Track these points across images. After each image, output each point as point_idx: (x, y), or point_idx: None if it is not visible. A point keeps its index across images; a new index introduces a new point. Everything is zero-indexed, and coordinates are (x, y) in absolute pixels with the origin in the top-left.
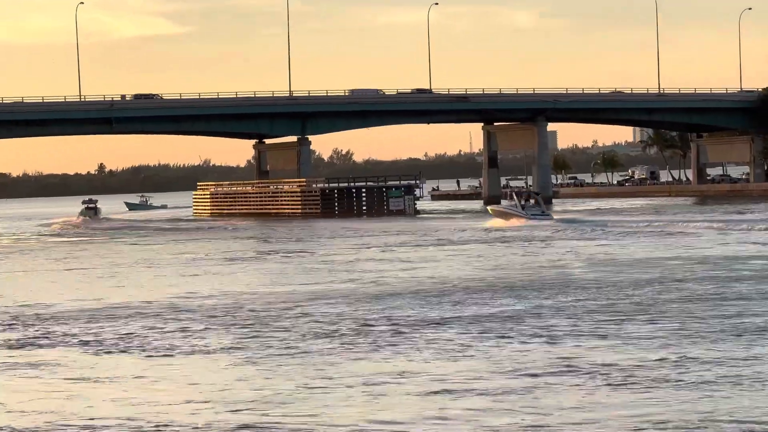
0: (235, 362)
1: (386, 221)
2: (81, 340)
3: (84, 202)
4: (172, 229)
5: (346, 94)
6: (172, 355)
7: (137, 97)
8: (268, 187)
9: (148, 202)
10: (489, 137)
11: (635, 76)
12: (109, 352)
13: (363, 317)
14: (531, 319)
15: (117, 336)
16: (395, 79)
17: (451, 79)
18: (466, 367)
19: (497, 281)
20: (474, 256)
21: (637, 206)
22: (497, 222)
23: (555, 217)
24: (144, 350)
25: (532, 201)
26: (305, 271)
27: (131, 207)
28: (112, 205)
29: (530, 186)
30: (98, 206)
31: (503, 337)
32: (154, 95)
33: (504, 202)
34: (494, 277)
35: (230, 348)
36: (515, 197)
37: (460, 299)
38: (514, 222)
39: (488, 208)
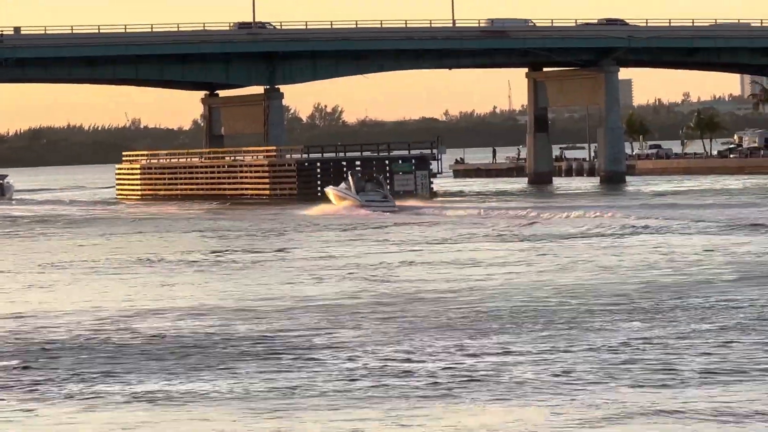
0: None
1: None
2: None
3: None
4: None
5: (332, 27)
6: None
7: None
8: (223, 158)
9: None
10: (536, 89)
11: (743, 3)
12: None
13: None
14: None
15: None
16: (401, 7)
17: (483, 5)
18: None
19: None
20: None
21: (739, 187)
22: (325, 208)
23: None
24: None
25: (371, 185)
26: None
27: None
28: None
29: (594, 158)
30: (8, 182)
31: None
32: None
33: (343, 185)
34: None
35: None
36: (350, 178)
37: None
38: (344, 207)
39: (327, 189)
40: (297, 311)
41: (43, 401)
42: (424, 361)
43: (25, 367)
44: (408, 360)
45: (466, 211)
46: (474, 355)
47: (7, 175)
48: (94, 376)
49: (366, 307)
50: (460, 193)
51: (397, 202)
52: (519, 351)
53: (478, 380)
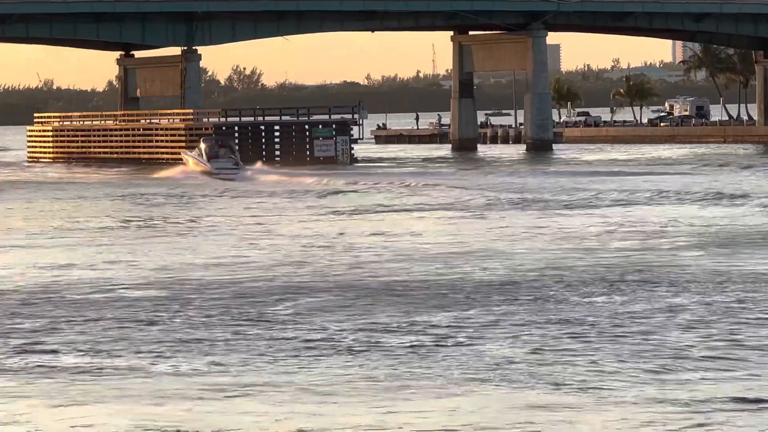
0: None
1: (304, 174)
2: None
3: None
4: None
5: None
6: None
7: None
8: (139, 121)
9: None
10: (461, 53)
11: None
12: None
13: None
14: None
15: None
16: None
17: None
18: None
19: None
20: None
21: (673, 157)
22: (173, 170)
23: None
24: None
25: (224, 151)
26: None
27: None
28: None
29: (520, 125)
30: None
31: None
32: None
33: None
34: None
35: None
36: (201, 144)
37: None
38: (193, 171)
39: (182, 153)
40: None
41: None
42: None
43: None
44: None
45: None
46: None
47: None
48: None
49: None
50: (383, 159)
51: (318, 168)
52: None
53: None
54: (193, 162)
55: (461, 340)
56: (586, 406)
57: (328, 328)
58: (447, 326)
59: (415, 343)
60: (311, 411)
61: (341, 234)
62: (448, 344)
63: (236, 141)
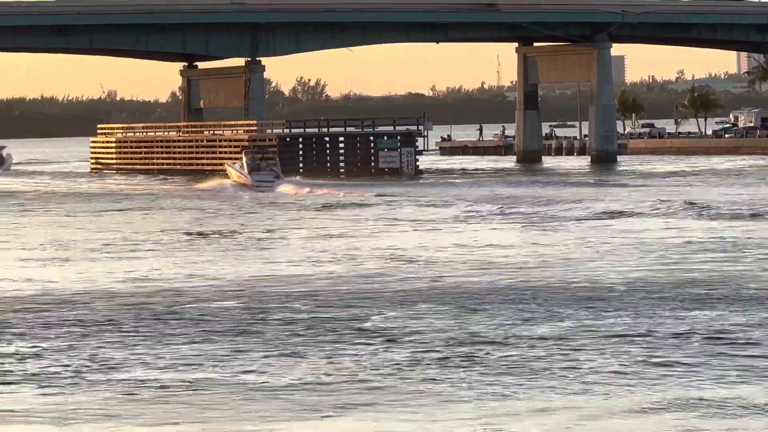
0: None
1: (371, 185)
2: None
3: None
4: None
5: None
6: None
7: None
8: (202, 132)
9: None
10: (526, 64)
11: None
12: None
13: None
14: None
15: None
16: None
17: None
18: None
19: None
20: None
21: (736, 168)
22: (212, 182)
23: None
24: None
25: (265, 164)
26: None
27: None
28: None
29: (585, 137)
30: (7, 153)
31: None
32: None
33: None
34: None
35: None
36: (244, 158)
37: None
38: (237, 182)
39: (226, 165)
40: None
41: None
42: None
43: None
44: None
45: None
46: None
47: (5, 146)
48: None
49: None
50: (448, 171)
51: (382, 180)
52: None
53: None
54: (235, 174)
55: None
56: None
57: (433, 340)
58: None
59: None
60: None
61: (417, 245)
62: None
63: (277, 152)
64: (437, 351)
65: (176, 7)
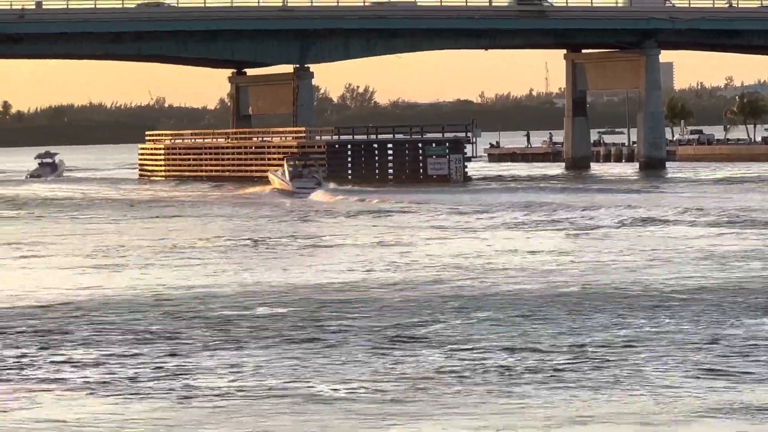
0: None
1: (417, 192)
2: None
3: (39, 156)
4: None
5: (365, 4)
6: None
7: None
8: (251, 138)
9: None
10: (575, 71)
11: None
12: None
13: None
14: None
15: None
16: None
17: None
18: None
19: None
20: None
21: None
22: (253, 189)
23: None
24: None
25: (307, 171)
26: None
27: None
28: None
29: (633, 143)
30: (58, 160)
31: None
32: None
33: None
34: None
35: None
36: (285, 165)
37: None
38: (279, 189)
39: (269, 173)
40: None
41: None
42: None
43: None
44: None
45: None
46: None
47: (57, 153)
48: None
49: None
50: (497, 178)
51: (429, 186)
52: None
53: None
54: (277, 181)
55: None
56: None
57: (493, 348)
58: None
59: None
60: None
61: (468, 252)
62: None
63: (316, 159)
64: (498, 359)
65: (225, 14)
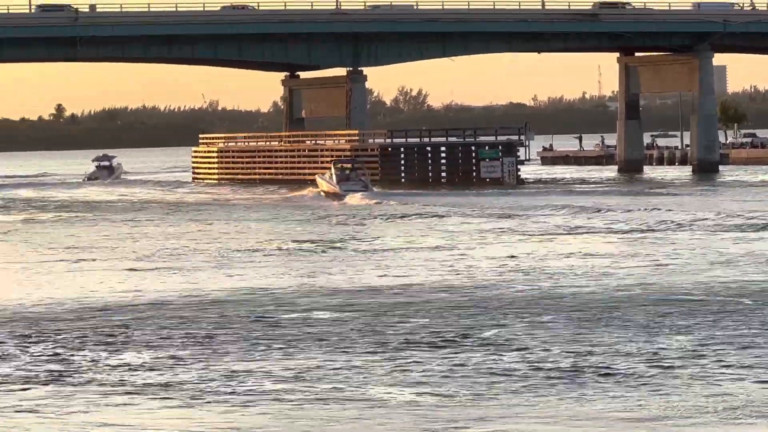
0: None
1: (470, 195)
2: None
3: (96, 159)
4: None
5: (418, 8)
6: None
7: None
8: (304, 141)
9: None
10: (628, 74)
11: None
12: None
13: None
14: None
15: None
16: None
17: None
18: None
19: None
20: None
21: None
22: (300, 192)
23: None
24: None
25: (354, 174)
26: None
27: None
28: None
29: (686, 146)
30: (116, 163)
31: None
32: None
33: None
34: None
35: None
36: (332, 169)
37: None
38: (327, 192)
39: (317, 177)
40: None
41: None
42: None
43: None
44: None
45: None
46: None
47: (115, 156)
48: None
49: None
50: (549, 180)
51: (483, 189)
52: None
53: None
54: (325, 185)
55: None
56: None
57: (558, 352)
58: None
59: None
60: None
61: (526, 255)
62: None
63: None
64: (565, 362)
65: (279, 17)
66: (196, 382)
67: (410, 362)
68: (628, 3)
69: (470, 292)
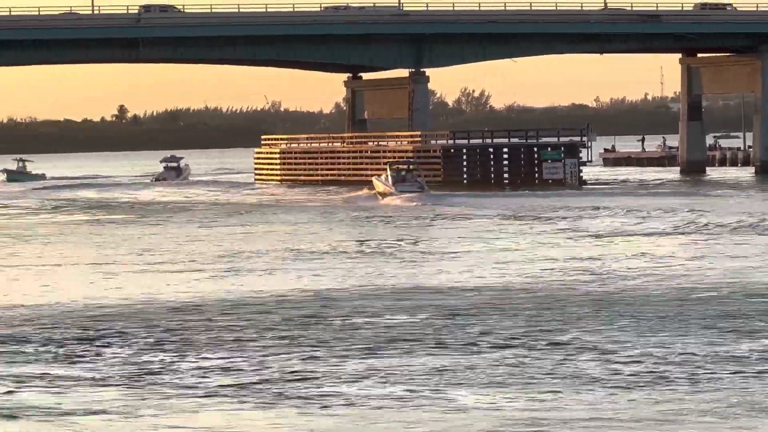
0: None
1: (532, 196)
2: None
3: (164, 160)
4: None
5: (480, 9)
6: None
7: (169, 9)
8: (366, 143)
9: (26, 169)
10: (690, 75)
11: None
12: None
13: None
14: None
15: None
16: None
17: None
18: None
19: None
20: None
21: None
22: (356, 192)
23: None
24: None
25: (410, 175)
26: None
27: (11, 176)
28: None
29: (749, 147)
30: (183, 164)
31: None
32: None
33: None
34: None
35: None
36: (388, 171)
37: None
38: (383, 193)
39: (373, 179)
40: None
41: None
42: None
43: None
44: None
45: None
46: None
47: (182, 158)
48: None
49: None
50: (610, 182)
51: (545, 191)
52: None
53: None
54: (381, 186)
55: None
56: None
57: (643, 356)
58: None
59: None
60: None
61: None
62: None
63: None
64: (649, 365)
65: (341, 18)
66: (267, 382)
67: (488, 363)
68: (729, 4)
69: (541, 292)
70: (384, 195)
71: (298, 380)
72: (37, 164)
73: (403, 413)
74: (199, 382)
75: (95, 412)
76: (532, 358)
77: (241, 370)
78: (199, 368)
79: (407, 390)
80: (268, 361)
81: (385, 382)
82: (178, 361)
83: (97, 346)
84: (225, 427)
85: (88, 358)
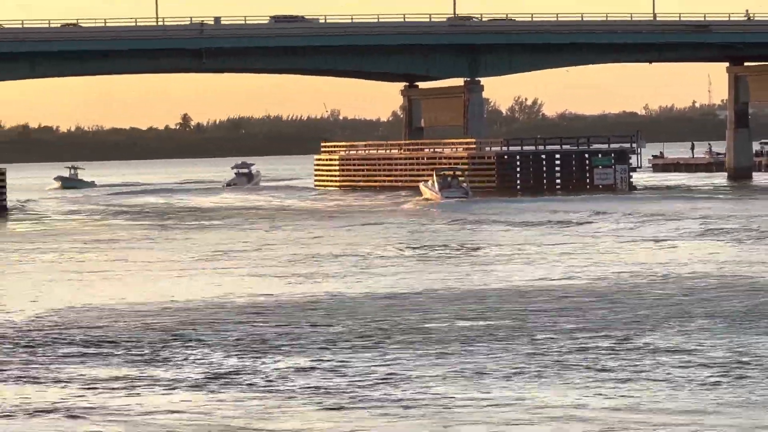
0: None
1: (584, 200)
2: None
3: (236, 166)
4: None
5: (533, 20)
6: None
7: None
8: (423, 150)
9: (78, 176)
10: (737, 83)
11: None
12: None
13: None
14: None
15: None
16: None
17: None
18: None
19: None
20: None
21: None
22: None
23: None
24: None
25: (455, 182)
26: None
27: (66, 183)
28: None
29: None
30: (254, 170)
31: None
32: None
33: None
34: None
35: None
36: (434, 177)
37: None
38: (429, 199)
39: (420, 185)
40: None
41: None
42: None
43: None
44: None
45: None
46: None
47: (253, 164)
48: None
49: None
50: (659, 187)
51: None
52: None
53: None
54: (428, 192)
55: None
56: None
57: (727, 360)
58: None
59: None
60: None
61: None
62: None
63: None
64: (730, 369)
65: (397, 29)
66: (346, 384)
67: (569, 366)
68: None
69: (611, 295)
70: (430, 201)
71: (376, 382)
72: (87, 172)
73: (483, 413)
74: (278, 384)
75: (172, 412)
76: (610, 363)
77: (319, 371)
78: (278, 369)
79: (491, 391)
80: (343, 363)
81: (467, 384)
82: (257, 363)
83: (177, 347)
84: (303, 430)
85: (168, 360)
